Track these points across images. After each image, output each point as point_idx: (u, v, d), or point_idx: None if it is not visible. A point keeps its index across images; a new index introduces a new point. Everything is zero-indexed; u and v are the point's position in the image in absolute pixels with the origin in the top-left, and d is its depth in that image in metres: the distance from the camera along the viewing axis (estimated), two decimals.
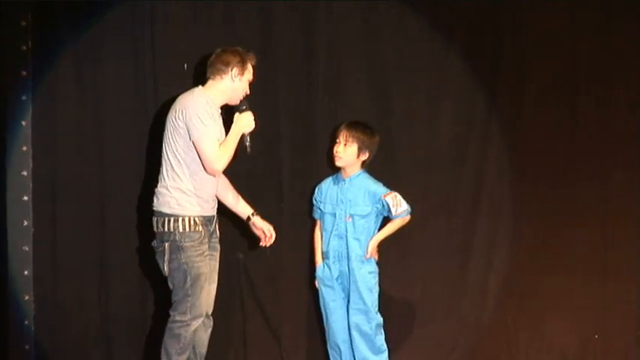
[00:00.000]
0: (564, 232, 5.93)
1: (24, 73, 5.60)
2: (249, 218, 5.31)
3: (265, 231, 5.31)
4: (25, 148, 5.62)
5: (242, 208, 5.31)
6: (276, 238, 5.66)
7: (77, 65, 5.69)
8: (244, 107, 5.13)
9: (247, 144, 5.14)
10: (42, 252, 5.70)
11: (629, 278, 5.97)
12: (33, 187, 5.66)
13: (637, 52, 5.93)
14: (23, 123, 5.60)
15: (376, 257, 5.48)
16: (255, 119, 5.12)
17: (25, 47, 5.60)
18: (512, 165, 5.95)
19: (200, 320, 5.12)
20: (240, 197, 5.30)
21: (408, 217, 5.47)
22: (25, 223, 5.66)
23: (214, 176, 5.07)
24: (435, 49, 5.87)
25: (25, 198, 5.66)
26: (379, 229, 5.50)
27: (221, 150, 4.99)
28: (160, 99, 5.67)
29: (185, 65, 5.66)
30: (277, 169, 5.77)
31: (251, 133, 5.13)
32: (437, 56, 5.89)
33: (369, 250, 5.41)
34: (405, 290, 5.92)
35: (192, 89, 5.12)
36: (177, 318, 5.06)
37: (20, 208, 5.64)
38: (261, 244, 5.32)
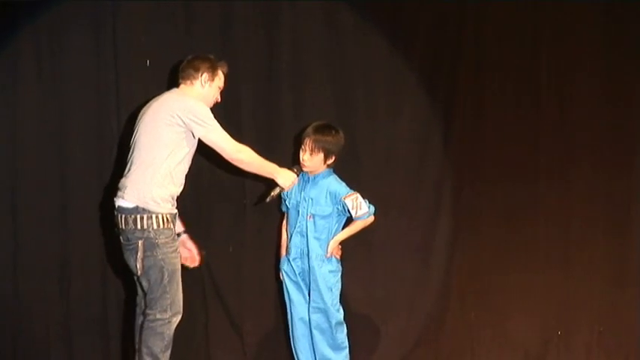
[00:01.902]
0: (526, 229, 5.99)
1: None
2: (179, 234, 5.33)
3: (193, 253, 5.41)
4: None
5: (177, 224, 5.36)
6: (239, 234, 5.78)
7: (38, 61, 5.61)
8: (296, 171, 5.38)
9: (272, 195, 5.36)
10: (3, 248, 5.64)
11: (590, 275, 6.04)
12: None
13: (600, 51, 5.98)
14: None
15: (338, 256, 5.51)
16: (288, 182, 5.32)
17: None
18: (473, 164, 5.99)
19: (179, 317, 5.13)
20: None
21: (370, 219, 5.50)
22: None
23: (239, 166, 5.18)
24: (396, 47, 5.88)
25: None
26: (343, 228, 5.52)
27: (246, 148, 5.16)
28: (122, 95, 5.66)
29: (148, 61, 5.64)
30: None
31: (280, 191, 5.37)
32: (398, 55, 5.89)
33: (329, 250, 5.46)
34: (368, 288, 5.95)
35: (171, 90, 5.20)
36: (159, 316, 5.06)
37: None
38: (184, 262, 5.35)
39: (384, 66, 5.87)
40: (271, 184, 5.38)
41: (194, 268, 5.47)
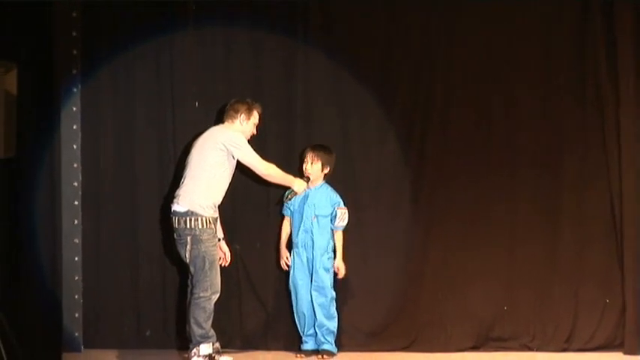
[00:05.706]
0: (481, 225, 6.48)
1: (74, 108, 6.31)
2: (219, 239, 5.98)
3: (226, 255, 6.10)
4: (75, 165, 6.31)
5: (219, 229, 5.99)
6: (264, 233, 6.44)
7: (115, 95, 6.36)
8: (306, 180, 6.12)
9: (289, 197, 6.12)
10: (88, 243, 6.33)
11: (531, 260, 6.49)
12: (82, 194, 6.31)
13: (535, 86, 6.47)
14: (74, 146, 6.34)
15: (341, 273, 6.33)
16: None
17: (75, 89, 6.29)
18: (442, 176, 6.49)
19: (217, 295, 5.80)
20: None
21: (341, 233, 6.28)
22: (76, 222, 6.32)
23: (267, 179, 5.96)
24: (384, 92, 6.53)
25: (76, 203, 6.32)
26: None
27: (272, 166, 5.92)
28: (177, 127, 6.44)
29: (197, 103, 6.42)
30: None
31: (295, 194, 6.10)
32: (385, 97, 6.52)
33: (341, 269, 6.32)
34: (361, 275, 6.50)
35: (221, 125, 5.98)
36: (202, 295, 5.76)
37: (72, 211, 6.27)
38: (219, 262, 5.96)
39: (374, 106, 6.51)
40: (287, 189, 6.11)
41: (226, 267, 6.09)
